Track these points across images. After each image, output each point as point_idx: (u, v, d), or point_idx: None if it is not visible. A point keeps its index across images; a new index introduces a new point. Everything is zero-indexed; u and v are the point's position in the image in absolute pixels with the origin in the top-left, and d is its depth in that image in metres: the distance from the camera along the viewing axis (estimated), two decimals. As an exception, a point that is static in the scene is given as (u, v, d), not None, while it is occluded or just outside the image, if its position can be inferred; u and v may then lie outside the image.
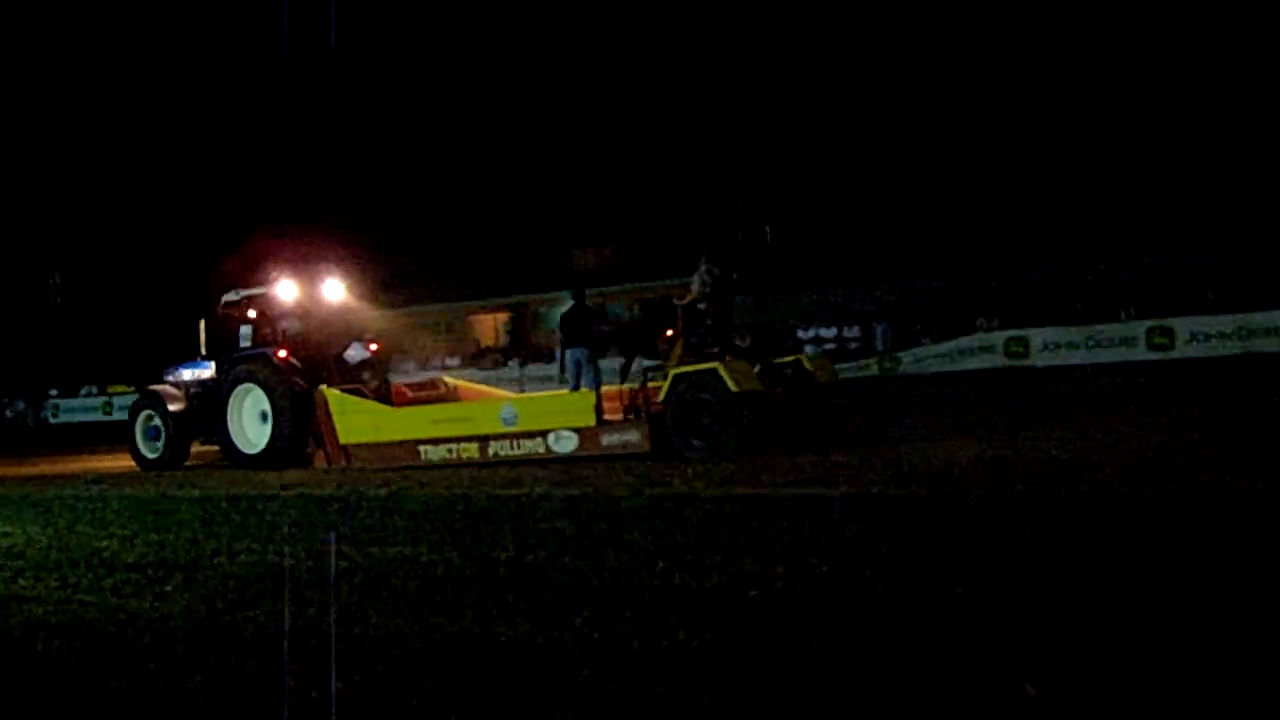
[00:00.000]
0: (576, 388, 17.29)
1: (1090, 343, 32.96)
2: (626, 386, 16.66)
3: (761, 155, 56.16)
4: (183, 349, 21.16)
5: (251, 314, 19.90)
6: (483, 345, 55.25)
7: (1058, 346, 33.32)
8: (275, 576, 8.12)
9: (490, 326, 61.60)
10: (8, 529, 12.02)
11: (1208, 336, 31.99)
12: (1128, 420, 15.36)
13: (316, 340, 19.72)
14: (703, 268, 16.28)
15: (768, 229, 55.75)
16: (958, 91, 52.19)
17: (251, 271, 21.14)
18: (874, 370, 34.67)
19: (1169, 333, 32.48)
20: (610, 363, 20.37)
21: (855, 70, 55.83)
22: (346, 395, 18.14)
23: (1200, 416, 15.61)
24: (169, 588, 8.07)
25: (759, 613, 6.03)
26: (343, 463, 17.60)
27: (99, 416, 46.15)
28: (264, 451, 18.38)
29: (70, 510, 13.25)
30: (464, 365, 45.30)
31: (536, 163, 66.71)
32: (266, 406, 18.45)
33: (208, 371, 20.10)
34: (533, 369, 40.40)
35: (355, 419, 17.82)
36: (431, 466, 16.51)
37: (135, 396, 22.84)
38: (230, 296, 20.19)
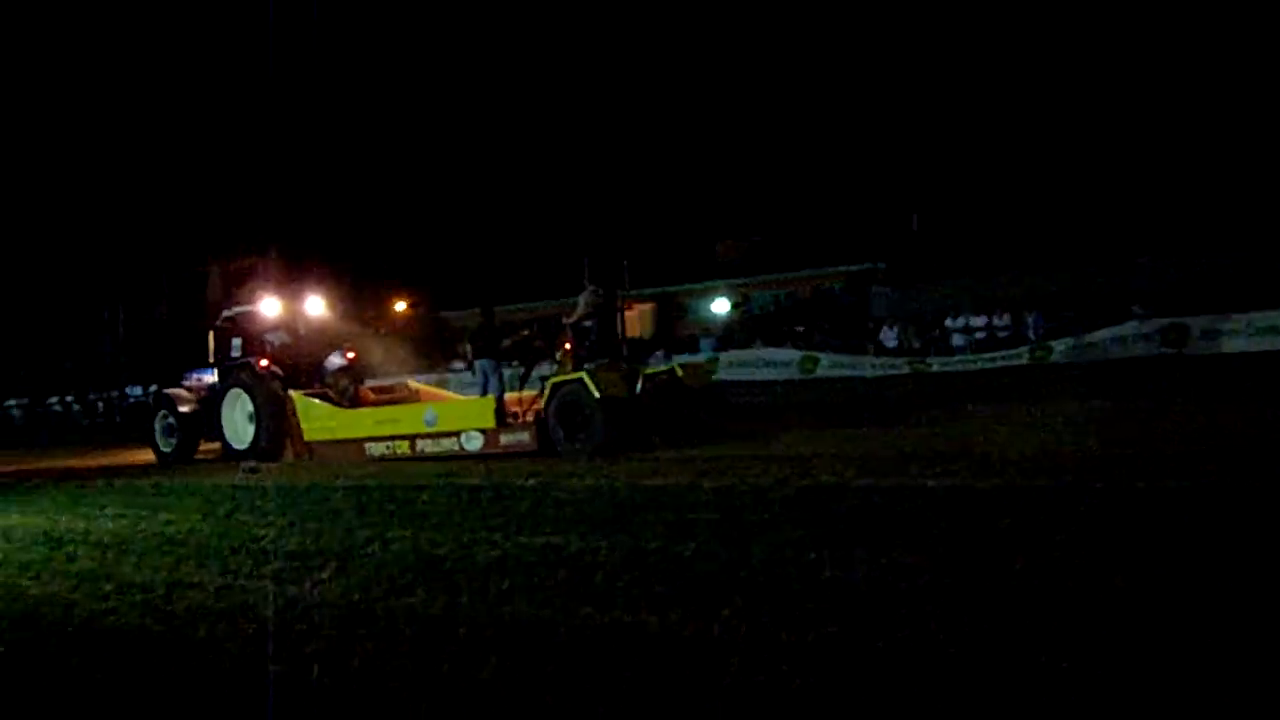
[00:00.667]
0: (485, 393, 19.92)
1: (1252, 329, 31.84)
2: (526, 393, 18.88)
3: (909, 141, 55.52)
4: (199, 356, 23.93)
5: (243, 327, 22.43)
6: (628, 336, 55.41)
7: (1217, 334, 32.26)
8: (427, 564, 8.26)
9: (635, 318, 61.80)
10: (171, 517, 12.40)
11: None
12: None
13: (300, 350, 22.32)
14: (588, 289, 18.88)
15: (915, 216, 55.10)
16: (1119, 72, 50.99)
17: (255, 288, 23.65)
18: (1024, 359, 33.90)
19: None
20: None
21: (1008, 55, 54.90)
22: (309, 399, 20.69)
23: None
24: (325, 575, 8.24)
25: (910, 606, 5.96)
26: (306, 456, 20.17)
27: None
28: (249, 448, 20.65)
29: (229, 499, 13.62)
30: (609, 357, 45.57)
31: (681, 155, 66.83)
32: (251, 409, 20.93)
33: (212, 377, 22.78)
34: (679, 360, 40.25)
35: (316, 419, 20.48)
36: (375, 459, 18.82)
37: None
38: (228, 311, 22.88)
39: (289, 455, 20.47)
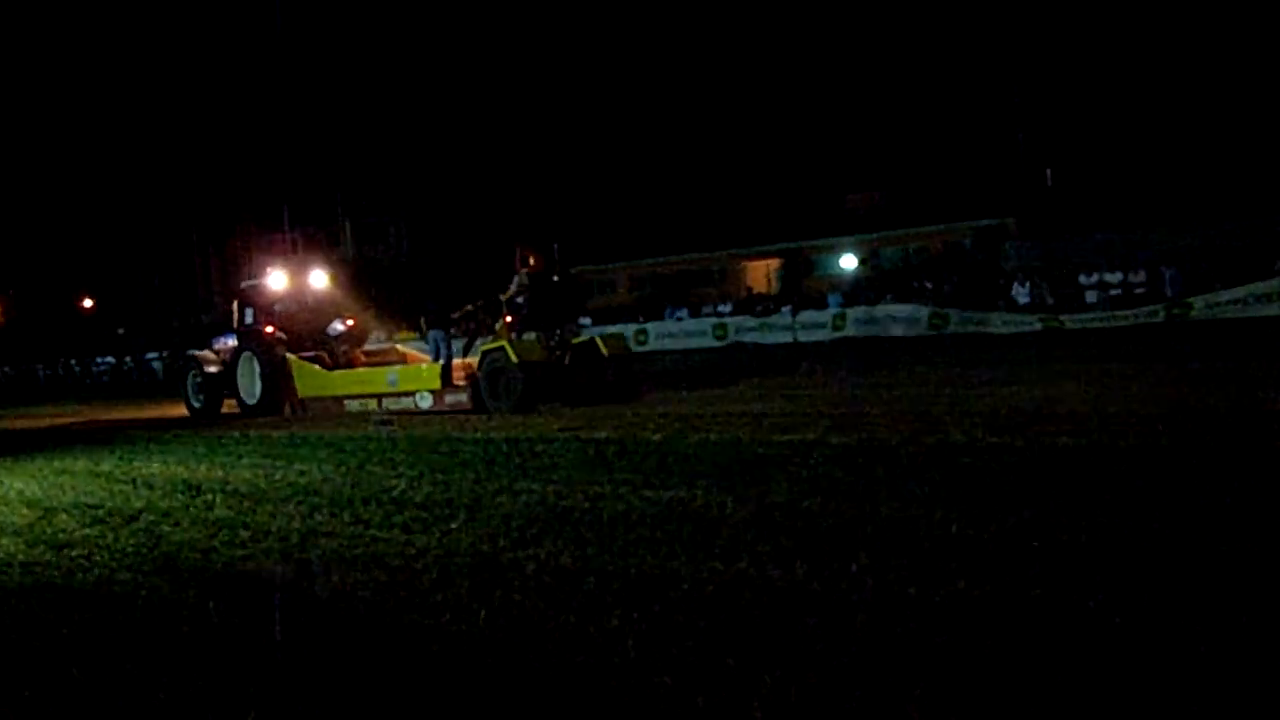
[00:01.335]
0: (437, 360, 21.85)
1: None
2: (470, 359, 21.43)
3: (1044, 94, 54.34)
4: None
5: (254, 297, 25.47)
6: (754, 292, 55.16)
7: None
8: (555, 516, 8.33)
9: (762, 273, 61.52)
10: (304, 467, 12.66)
11: None
12: None
13: (304, 318, 25.09)
14: (522, 270, 21.41)
15: (1049, 171, 53.99)
16: (1261, 22, 49.35)
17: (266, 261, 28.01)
18: (1160, 317, 33.03)
19: None
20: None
21: (1147, 5, 53.40)
22: (302, 361, 23.66)
23: None
24: (454, 525, 8.36)
25: (1043, 564, 5.86)
26: (300, 411, 23.10)
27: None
28: (257, 404, 23.80)
29: (362, 450, 13.86)
30: (735, 313, 45.32)
31: (809, 108, 66.20)
32: (259, 370, 23.80)
33: (234, 342, 25.49)
34: (805, 316, 39.94)
35: (306, 379, 23.48)
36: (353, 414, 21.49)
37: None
38: (246, 282, 26.38)
39: (286, 410, 23.52)
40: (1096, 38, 56.91)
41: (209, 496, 10.92)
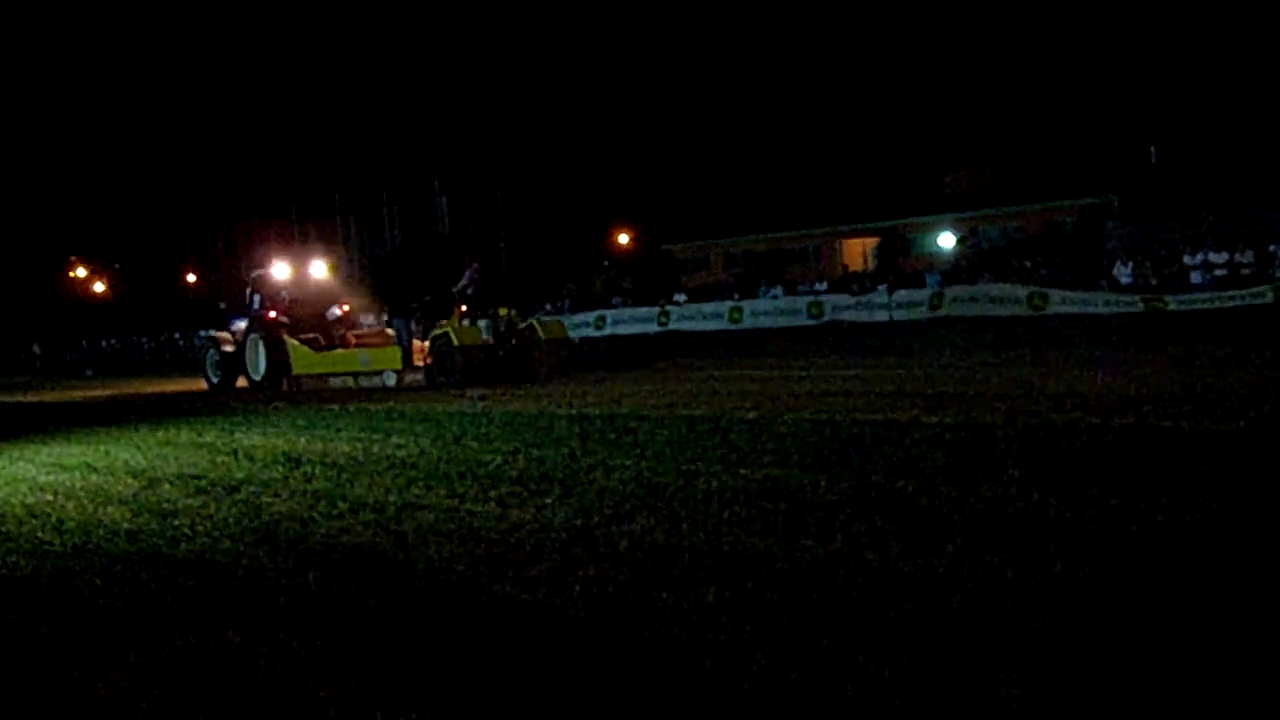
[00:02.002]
0: (399, 344, 24.52)
1: None
2: (424, 343, 23.80)
3: (1146, 71, 53.27)
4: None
5: (261, 285, 28.16)
6: (850, 270, 54.76)
7: None
8: (648, 493, 8.34)
9: (859, 252, 61.07)
10: (401, 441, 12.80)
11: None
12: None
13: (306, 304, 27.69)
14: (473, 266, 24.38)
15: (1152, 149, 52.97)
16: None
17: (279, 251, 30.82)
18: (1268, 298, 32.24)
19: None
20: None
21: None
22: (296, 343, 26.27)
23: None
24: (548, 500, 8.40)
25: (1142, 549, 5.77)
26: (295, 387, 25.66)
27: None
28: (262, 380, 26.54)
29: (457, 425, 13.98)
30: (831, 291, 45.08)
31: (907, 85, 65.56)
32: (263, 350, 26.50)
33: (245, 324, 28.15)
34: (901, 295, 39.57)
35: (300, 359, 26.09)
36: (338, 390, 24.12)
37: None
38: (256, 271, 29.03)
39: (285, 386, 26.10)
40: (1200, 14, 55.70)
41: (308, 468, 11.09)
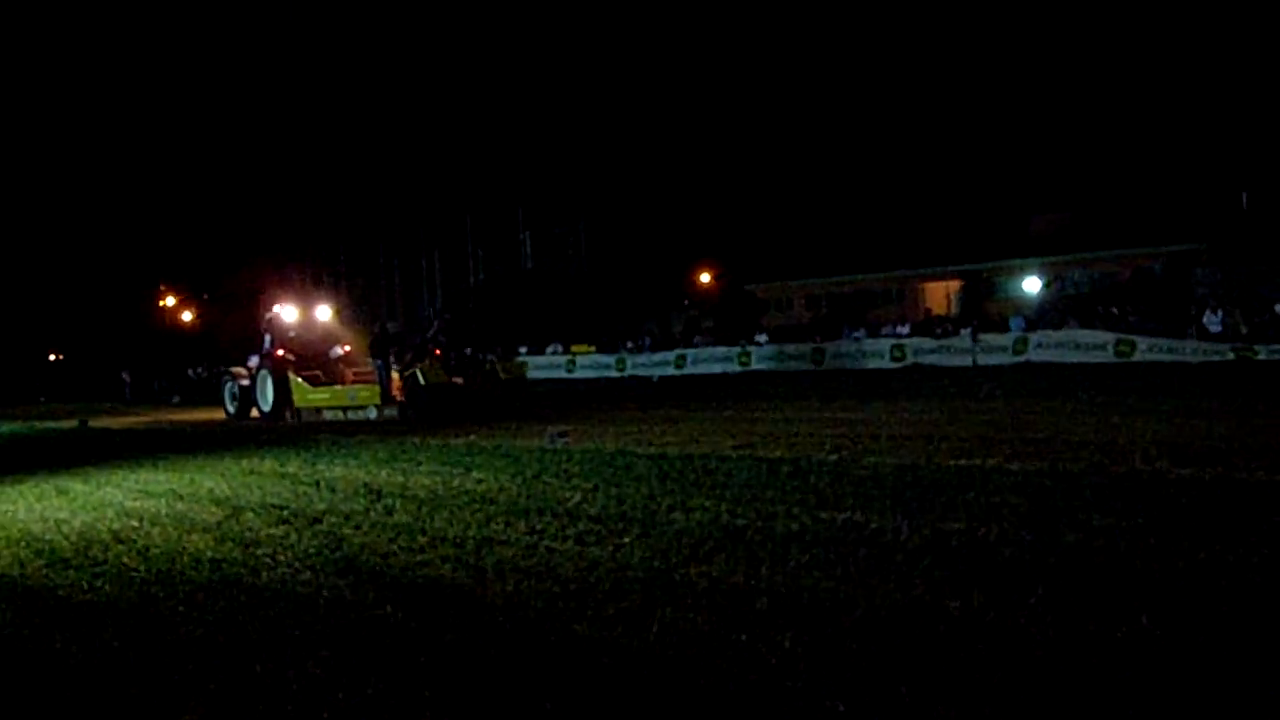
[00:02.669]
0: (379, 382, 26.87)
1: None
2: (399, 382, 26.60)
3: (1239, 116, 52.56)
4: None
5: (272, 326, 31.39)
6: (933, 314, 54.37)
7: None
8: (727, 534, 8.31)
9: (942, 294, 60.63)
10: (481, 476, 12.86)
11: None
12: None
13: (311, 344, 30.78)
14: (442, 317, 27.35)
15: (1244, 195, 52.21)
16: None
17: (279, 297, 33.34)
18: (1363, 348, 31.51)
19: None
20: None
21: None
22: (297, 379, 29.24)
23: None
24: (627, 539, 8.40)
25: (1231, 604, 5.66)
26: (296, 418, 28.74)
27: (562, 374, 48.45)
28: (270, 411, 29.76)
29: (537, 461, 14.02)
30: (913, 334, 44.78)
31: (993, 127, 65.22)
32: (271, 384, 29.83)
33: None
34: (986, 339, 39.17)
35: (299, 393, 29.13)
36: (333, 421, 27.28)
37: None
38: (269, 314, 31.81)
39: (287, 417, 29.08)
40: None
41: (389, 501, 11.18)
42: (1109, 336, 36.36)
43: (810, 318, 58.87)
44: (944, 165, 66.20)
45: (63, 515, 11.98)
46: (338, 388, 28.96)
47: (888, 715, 4.44)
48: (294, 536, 9.53)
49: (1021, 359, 36.82)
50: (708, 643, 5.58)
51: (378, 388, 26.87)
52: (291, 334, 31.00)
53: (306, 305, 32.40)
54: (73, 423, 34.01)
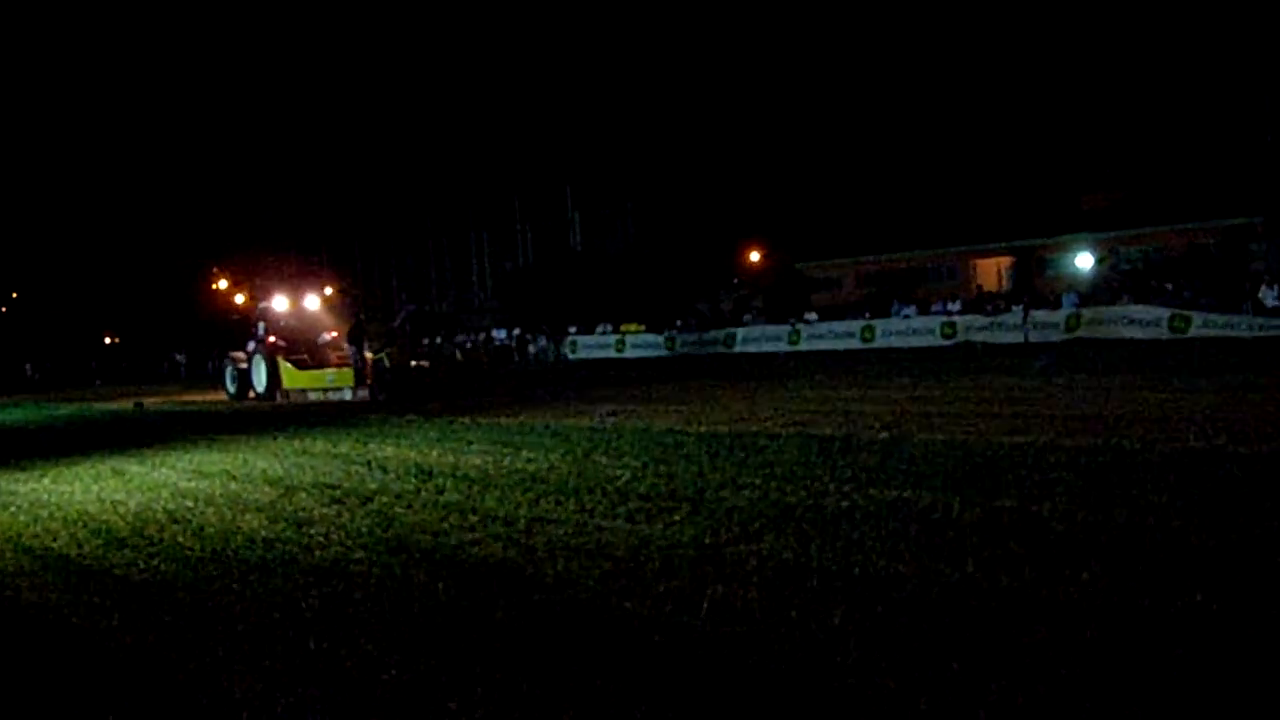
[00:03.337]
0: (354, 366, 29.38)
1: None
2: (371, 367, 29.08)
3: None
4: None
5: (266, 314, 34.63)
6: (985, 291, 53.96)
7: None
8: (777, 512, 8.30)
9: (993, 271, 60.18)
10: (532, 455, 12.90)
11: None
12: None
13: (301, 330, 33.98)
14: (407, 307, 28.98)
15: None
16: None
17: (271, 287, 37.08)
18: None
19: None
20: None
21: None
22: (286, 363, 32.29)
23: None
24: (677, 517, 8.41)
25: (1288, 580, 5.60)
26: (286, 399, 31.54)
27: (611, 353, 48.44)
28: (264, 392, 32.58)
29: (587, 440, 14.04)
30: (964, 311, 44.48)
31: (1046, 102, 64.49)
32: (264, 368, 32.73)
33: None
34: (1038, 316, 38.79)
35: (287, 376, 32.09)
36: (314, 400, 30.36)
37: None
38: (263, 304, 35.50)
39: (278, 398, 31.96)
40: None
41: (440, 481, 11.23)
42: (1163, 312, 35.94)
43: (861, 296, 58.57)
44: (996, 141, 65.57)
45: (119, 496, 12.12)
46: (318, 371, 31.83)
47: (939, 692, 4.42)
48: (346, 516, 9.60)
49: (1074, 335, 36.46)
50: (758, 620, 5.57)
51: (349, 371, 29.73)
52: (282, 323, 34.32)
53: (296, 296, 35.47)
54: (128, 404, 34.37)
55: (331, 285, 38.13)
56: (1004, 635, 5.05)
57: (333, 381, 30.46)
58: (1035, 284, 52.88)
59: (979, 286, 56.13)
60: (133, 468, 14.82)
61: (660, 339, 48.00)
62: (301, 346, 33.46)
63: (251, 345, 34.31)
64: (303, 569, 7.62)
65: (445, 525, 8.80)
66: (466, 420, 18.42)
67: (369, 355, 29.07)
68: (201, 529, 9.54)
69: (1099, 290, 44.35)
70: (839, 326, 44.39)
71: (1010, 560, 6.31)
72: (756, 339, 45.31)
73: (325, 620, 6.21)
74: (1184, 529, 6.80)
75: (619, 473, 10.92)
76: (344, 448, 15.32)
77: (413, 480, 11.47)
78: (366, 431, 17.66)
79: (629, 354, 47.97)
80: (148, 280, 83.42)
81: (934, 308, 46.72)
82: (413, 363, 28.82)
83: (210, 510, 10.55)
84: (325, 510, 9.99)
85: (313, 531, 8.97)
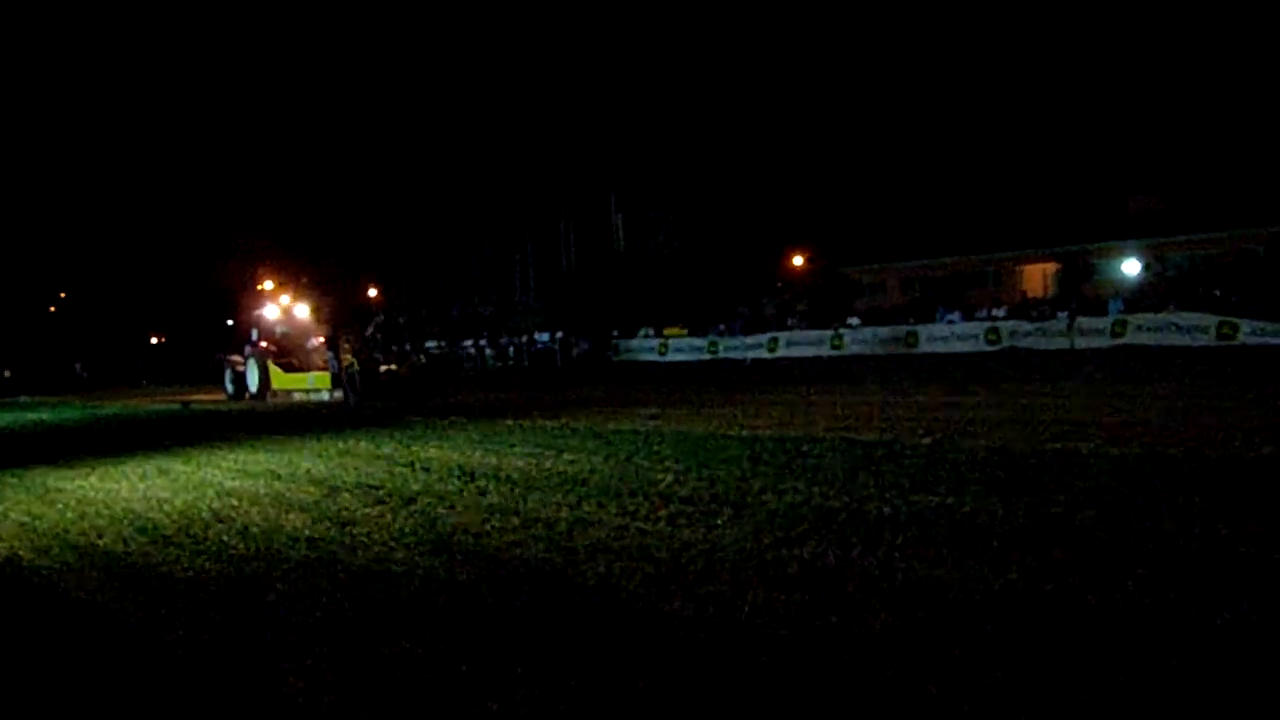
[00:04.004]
0: (331, 369, 31.76)
1: None
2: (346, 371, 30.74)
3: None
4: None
5: (258, 321, 37.57)
6: (1030, 296, 53.60)
7: None
8: (819, 516, 8.28)
9: (1039, 277, 59.77)
10: (573, 458, 12.92)
11: None
12: None
13: (291, 336, 36.66)
14: (380, 317, 33.41)
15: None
16: None
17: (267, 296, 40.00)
18: None
19: None
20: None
21: None
22: (274, 366, 34.95)
23: None
24: (719, 521, 8.40)
25: (1336, 590, 5.54)
26: (274, 398, 34.17)
27: (654, 356, 48.47)
28: (256, 393, 35.23)
29: (629, 443, 14.05)
30: (1009, 317, 44.21)
31: (1093, 106, 64.06)
32: (256, 370, 35.59)
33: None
34: (1084, 322, 38.51)
35: (276, 378, 34.69)
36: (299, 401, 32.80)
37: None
38: (256, 311, 38.45)
39: (269, 398, 34.56)
40: None
41: (482, 482, 11.27)
42: (1211, 319, 35.60)
43: (904, 300, 58.29)
44: (1042, 145, 65.14)
45: (165, 494, 12.23)
46: (301, 374, 34.33)
47: (981, 701, 4.40)
48: (389, 516, 9.65)
49: (1120, 342, 36.19)
50: (799, 624, 5.57)
51: (327, 374, 32.22)
52: (275, 328, 37.15)
53: (287, 304, 38.45)
54: (174, 404, 34.74)
55: (313, 295, 40.81)
56: (1048, 644, 5.02)
57: (313, 384, 33.18)
58: (1081, 289, 52.47)
59: (1024, 292, 55.77)
60: (178, 466, 14.95)
61: (703, 342, 47.98)
62: (290, 351, 36.20)
63: (246, 349, 37.21)
64: (346, 569, 7.67)
65: (488, 527, 8.83)
66: (509, 422, 18.46)
67: (345, 359, 30.93)
68: (246, 528, 9.62)
69: (1145, 296, 43.99)
70: (882, 331, 44.21)
71: (1054, 567, 6.27)
72: (799, 343, 45.20)
73: (368, 619, 6.25)
74: (1231, 538, 6.74)
75: (661, 476, 10.93)
76: (387, 449, 15.40)
77: (455, 481, 11.52)
78: (410, 433, 17.73)
79: (671, 357, 47.97)
80: (194, 281, 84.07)
81: (978, 313, 46.46)
82: (381, 368, 30.46)
83: (255, 509, 10.63)
84: (368, 510, 10.05)
85: (356, 531, 9.03)
